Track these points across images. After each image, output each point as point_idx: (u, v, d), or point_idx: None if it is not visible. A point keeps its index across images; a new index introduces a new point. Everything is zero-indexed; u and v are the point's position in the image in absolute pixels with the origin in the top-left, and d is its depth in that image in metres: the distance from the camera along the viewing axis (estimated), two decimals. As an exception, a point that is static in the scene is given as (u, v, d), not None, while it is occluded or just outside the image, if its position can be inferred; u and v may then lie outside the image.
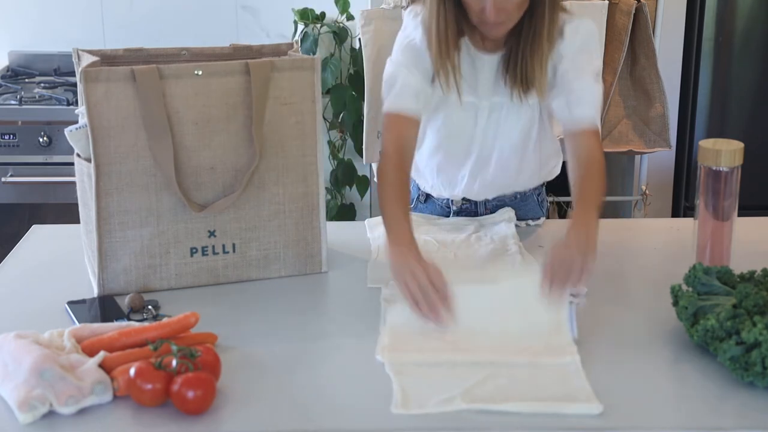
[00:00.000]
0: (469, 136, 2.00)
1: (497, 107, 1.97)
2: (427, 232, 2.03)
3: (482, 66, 1.94)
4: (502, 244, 1.97)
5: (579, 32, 1.91)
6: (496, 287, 1.67)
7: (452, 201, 2.13)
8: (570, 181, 1.87)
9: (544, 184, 2.20)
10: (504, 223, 2.06)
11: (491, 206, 2.13)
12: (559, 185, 2.51)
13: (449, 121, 1.99)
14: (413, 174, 2.11)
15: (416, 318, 1.59)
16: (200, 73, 1.70)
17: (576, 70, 1.89)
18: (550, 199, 3.08)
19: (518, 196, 2.14)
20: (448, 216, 2.15)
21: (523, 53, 1.87)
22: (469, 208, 2.14)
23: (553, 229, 2.11)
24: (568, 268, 1.61)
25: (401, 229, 1.72)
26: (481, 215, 2.14)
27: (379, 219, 1.89)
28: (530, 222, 2.11)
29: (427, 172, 2.12)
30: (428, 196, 2.18)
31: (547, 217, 2.24)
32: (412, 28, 1.92)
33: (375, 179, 3.01)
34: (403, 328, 1.59)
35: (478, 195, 2.11)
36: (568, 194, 3.02)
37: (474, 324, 1.57)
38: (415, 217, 2.03)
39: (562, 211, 3.21)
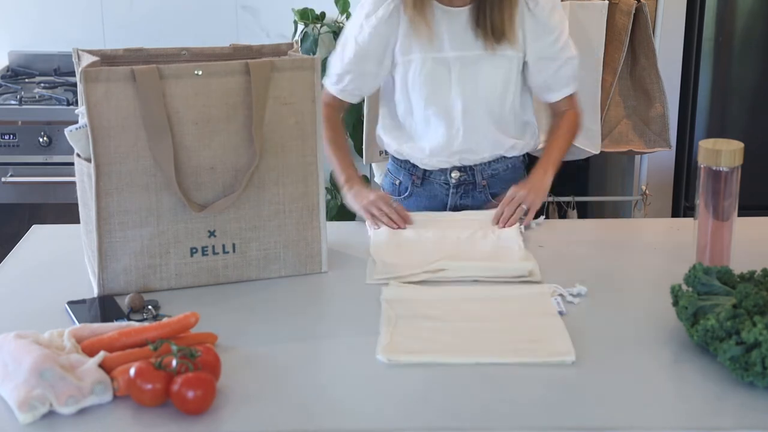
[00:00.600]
0: (447, 90, 2.12)
1: (471, 61, 2.10)
2: (427, 226, 2.05)
3: (450, 20, 2.09)
4: (506, 242, 1.98)
5: None
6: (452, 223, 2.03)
7: (450, 174, 2.21)
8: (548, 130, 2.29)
9: (526, 160, 2.32)
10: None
11: (486, 175, 2.22)
12: (559, 185, 2.51)
13: (426, 80, 2.12)
14: (407, 154, 2.23)
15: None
16: (200, 73, 1.71)
17: (562, 44, 2.14)
18: (550, 199, 3.08)
19: (509, 165, 2.24)
20: (447, 194, 2.23)
21: (491, 4, 2.05)
22: (467, 180, 2.22)
23: (553, 228, 2.10)
24: (516, 204, 2.04)
25: (350, 172, 2.15)
26: (479, 188, 2.22)
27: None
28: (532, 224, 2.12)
29: (422, 140, 2.19)
30: (424, 178, 2.23)
31: (547, 217, 2.24)
32: (367, 3, 2.12)
33: (375, 179, 3.02)
34: (399, 323, 1.62)
35: (476, 150, 2.19)
36: (568, 194, 3.03)
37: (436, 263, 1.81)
38: (420, 216, 2.10)
39: (561, 211, 3.21)
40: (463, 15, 2.09)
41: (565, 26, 2.16)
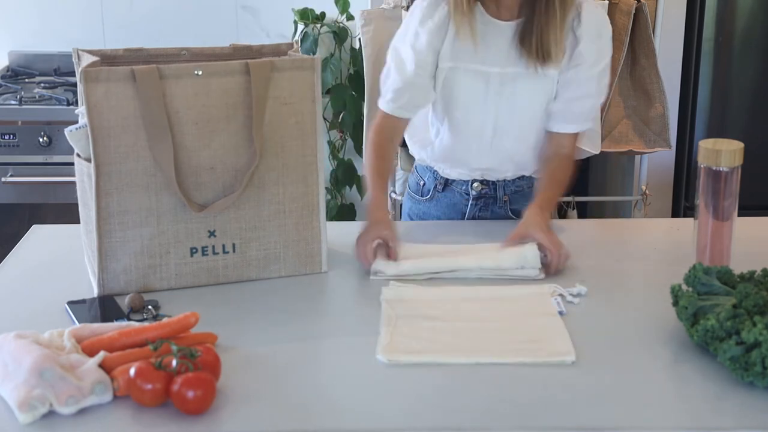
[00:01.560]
0: (481, 104, 2.04)
1: (511, 78, 2.00)
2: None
3: (495, 33, 1.99)
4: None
5: (596, 17, 2.01)
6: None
7: (471, 185, 2.15)
8: (539, 161, 2.11)
9: None
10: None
11: (509, 191, 2.16)
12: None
13: (462, 91, 2.03)
14: (430, 161, 2.18)
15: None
16: (200, 73, 1.70)
17: (590, 74, 2.01)
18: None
19: (533, 184, 2.16)
20: (467, 204, 2.17)
21: (539, 22, 1.94)
22: (488, 193, 2.17)
23: (553, 228, 2.10)
24: (560, 249, 1.85)
25: (379, 202, 1.98)
26: (500, 202, 2.16)
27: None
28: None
29: (446, 148, 2.12)
30: (446, 185, 2.19)
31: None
32: (419, 9, 2.02)
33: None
34: (399, 324, 1.62)
35: (498, 169, 2.12)
36: (568, 194, 3.02)
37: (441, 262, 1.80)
38: (429, 248, 1.97)
39: (561, 211, 3.21)
40: (509, 30, 1.98)
41: (603, 60, 2.02)
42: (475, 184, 2.16)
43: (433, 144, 2.14)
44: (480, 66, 2.00)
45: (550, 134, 2.08)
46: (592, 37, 1.99)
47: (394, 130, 2.08)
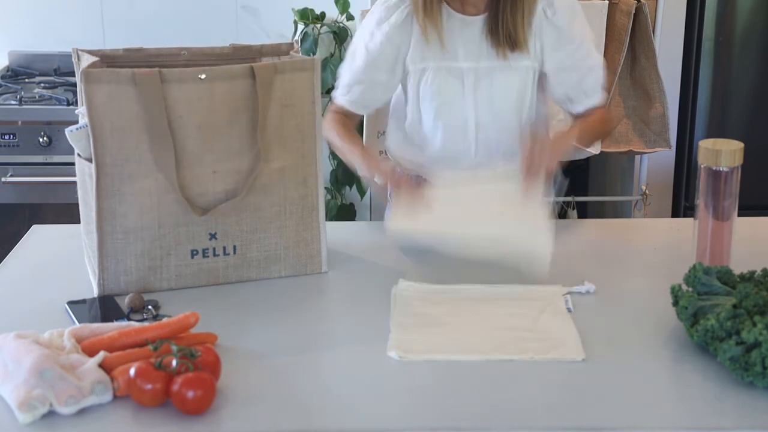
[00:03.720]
0: (459, 101, 2.04)
1: (485, 72, 2.02)
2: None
3: (462, 29, 2.01)
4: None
5: (566, 1, 2.03)
6: (477, 190, 1.87)
7: None
8: None
9: None
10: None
11: None
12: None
13: (437, 90, 2.04)
14: (419, 168, 2.15)
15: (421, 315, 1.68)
16: (204, 77, 1.70)
17: (585, 51, 2.04)
18: (551, 199, 3.07)
19: None
20: None
21: (504, 11, 1.96)
22: None
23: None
24: (542, 147, 1.83)
25: (368, 151, 2.03)
26: None
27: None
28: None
29: (433, 152, 2.11)
30: None
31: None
32: (378, 9, 2.04)
33: (375, 180, 3.01)
34: (410, 322, 1.64)
35: (491, 163, 2.11)
36: (568, 194, 3.02)
37: (457, 226, 1.76)
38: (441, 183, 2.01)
39: (561, 211, 3.21)
40: (477, 24, 2.00)
41: (586, 34, 2.06)
42: None
43: (420, 149, 2.13)
44: (452, 63, 2.02)
45: (576, 116, 2.12)
46: (570, 19, 2.02)
47: (347, 120, 2.11)
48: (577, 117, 2.13)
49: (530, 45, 2.01)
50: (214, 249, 1.78)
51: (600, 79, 2.10)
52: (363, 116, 2.15)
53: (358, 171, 2.01)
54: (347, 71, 2.09)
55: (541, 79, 2.09)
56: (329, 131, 2.07)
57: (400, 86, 2.13)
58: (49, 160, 3.20)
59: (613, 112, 2.97)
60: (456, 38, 2.01)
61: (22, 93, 3.30)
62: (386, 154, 2.40)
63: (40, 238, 2.05)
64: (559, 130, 2.05)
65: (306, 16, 3.46)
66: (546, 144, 1.87)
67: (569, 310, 1.68)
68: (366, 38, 2.05)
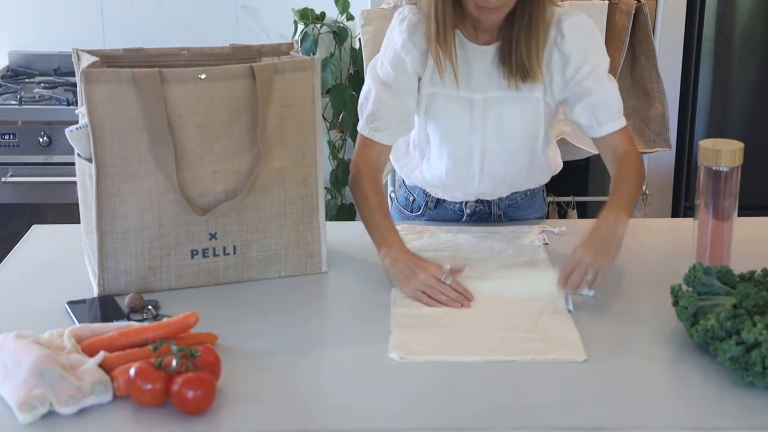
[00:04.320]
0: (466, 131, 1.99)
1: (495, 102, 1.96)
2: (439, 243, 1.99)
3: (475, 58, 1.95)
4: (531, 254, 1.94)
5: (578, 27, 1.94)
6: (506, 283, 1.79)
7: (466, 204, 2.12)
8: (610, 173, 1.99)
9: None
10: (526, 234, 2.06)
11: (504, 206, 2.13)
12: (559, 185, 2.51)
13: (445, 117, 1.99)
14: (419, 182, 2.13)
15: (422, 315, 1.68)
16: (204, 77, 1.70)
17: (594, 75, 1.93)
18: (550, 199, 3.08)
19: (528, 193, 2.15)
20: (461, 220, 2.14)
21: (518, 41, 1.89)
22: (483, 210, 2.13)
23: (553, 228, 2.10)
24: (583, 272, 1.71)
25: (392, 237, 1.85)
26: (494, 217, 2.14)
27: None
28: (555, 230, 2.07)
29: (436, 175, 2.07)
30: (438, 202, 2.14)
31: (547, 217, 2.24)
32: (398, 33, 1.95)
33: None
34: (411, 323, 1.65)
35: (493, 193, 2.10)
36: (567, 194, 3.03)
37: (464, 349, 1.58)
38: (429, 226, 2.07)
39: (561, 211, 3.21)
40: (489, 53, 1.94)
41: (600, 58, 1.94)
42: (469, 204, 2.13)
43: (423, 169, 2.09)
44: (461, 92, 1.96)
45: (597, 142, 2.00)
46: (581, 44, 1.93)
47: (377, 156, 1.97)
48: (605, 148, 2.00)
49: (540, 73, 1.93)
50: (214, 249, 1.78)
51: (617, 104, 1.97)
52: (390, 148, 2.00)
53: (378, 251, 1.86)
54: (380, 100, 1.95)
55: (561, 106, 2.02)
56: (363, 193, 1.92)
57: None
58: (49, 160, 3.20)
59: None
60: (468, 67, 1.95)
61: (22, 93, 3.30)
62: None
63: (40, 238, 2.05)
64: (605, 214, 1.82)
65: (306, 16, 3.46)
66: (592, 262, 1.71)
67: (570, 310, 1.68)
68: (395, 63, 1.94)
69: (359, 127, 1.99)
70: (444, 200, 2.14)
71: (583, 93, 1.94)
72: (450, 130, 2.00)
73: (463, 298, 1.72)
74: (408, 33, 1.93)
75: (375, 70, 1.99)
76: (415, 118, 2.02)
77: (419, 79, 1.96)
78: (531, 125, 1.99)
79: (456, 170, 2.04)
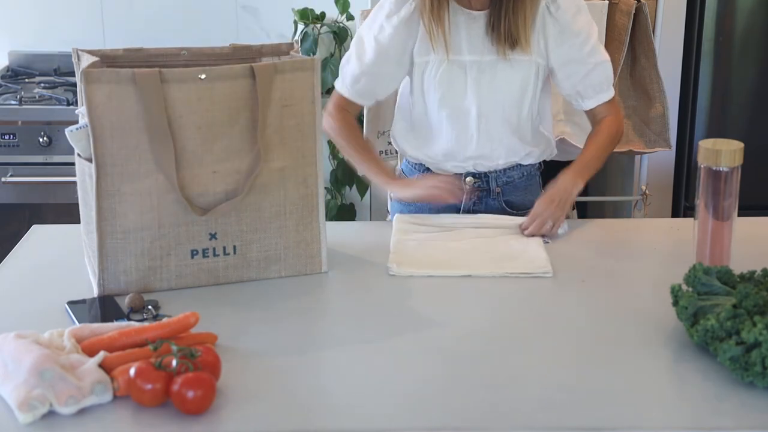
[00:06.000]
0: (462, 92, 2.10)
1: (488, 65, 2.07)
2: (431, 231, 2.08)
3: (468, 23, 2.07)
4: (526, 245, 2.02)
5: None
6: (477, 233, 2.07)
7: (464, 179, 2.18)
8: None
9: (541, 167, 2.28)
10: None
11: (501, 183, 2.19)
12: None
13: (441, 82, 2.10)
14: (422, 156, 2.21)
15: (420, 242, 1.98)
16: (204, 77, 1.70)
17: (584, 48, 2.08)
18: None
19: (525, 174, 2.21)
20: (461, 199, 2.19)
21: (507, 9, 2.01)
22: (481, 186, 2.19)
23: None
24: (543, 222, 2.01)
25: (386, 169, 2.19)
26: (492, 195, 2.19)
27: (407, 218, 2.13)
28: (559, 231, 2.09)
29: (438, 141, 2.16)
30: None
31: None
32: (387, 2, 2.10)
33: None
34: (408, 247, 1.95)
35: (491, 155, 2.16)
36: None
37: (459, 265, 1.90)
38: (426, 218, 2.13)
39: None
40: (481, 19, 2.06)
41: (592, 30, 2.11)
42: (468, 178, 2.19)
43: (424, 140, 2.18)
44: (456, 56, 2.07)
45: (586, 112, 2.19)
46: (573, 13, 2.07)
47: (352, 111, 2.20)
48: (588, 115, 2.19)
49: (534, 42, 2.05)
50: (214, 249, 1.78)
51: (608, 75, 2.14)
52: (363, 107, 2.23)
53: (380, 184, 2.17)
54: (355, 63, 2.13)
55: (549, 76, 2.14)
56: (337, 135, 2.18)
57: (407, 78, 2.17)
58: (49, 160, 3.20)
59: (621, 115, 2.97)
60: (461, 32, 2.07)
61: (22, 93, 3.30)
62: (386, 154, 2.41)
63: (40, 238, 2.05)
64: (565, 173, 2.09)
65: (306, 16, 3.46)
66: (551, 213, 2.02)
67: (546, 241, 1.97)
68: (375, 30, 2.10)
69: (338, 86, 2.18)
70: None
71: (573, 66, 2.10)
72: (446, 95, 2.11)
73: (459, 189, 2.07)
74: (396, 4, 2.08)
75: (360, 34, 2.14)
76: (408, 86, 2.16)
77: (411, 50, 2.09)
78: (521, 87, 2.10)
79: (455, 133, 2.13)
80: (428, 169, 2.22)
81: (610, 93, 2.15)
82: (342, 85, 2.17)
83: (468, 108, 2.10)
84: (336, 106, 2.18)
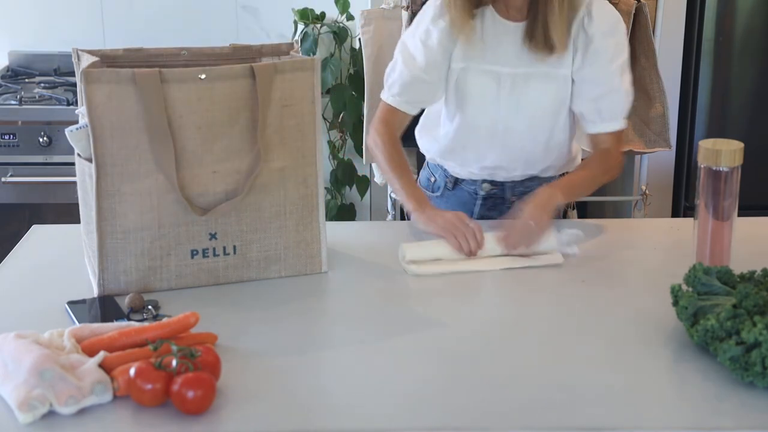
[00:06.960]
0: (492, 103, 2.06)
1: (522, 78, 2.03)
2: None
3: (505, 33, 2.03)
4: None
5: (607, 14, 2.03)
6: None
7: (480, 185, 2.17)
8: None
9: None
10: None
11: (518, 193, 2.17)
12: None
13: (473, 90, 2.06)
14: (439, 157, 2.20)
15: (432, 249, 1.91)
16: (204, 77, 1.70)
17: (609, 69, 2.02)
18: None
19: (542, 184, 2.14)
20: (475, 203, 2.19)
21: (545, 15, 1.96)
22: (497, 194, 2.18)
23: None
24: (521, 237, 1.90)
25: (420, 195, 2.01)
26: (507, 203, 2.17)
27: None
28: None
29: (458, 144, 2.14)
30: (456, 183, 2.21)
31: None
32: (432, 7, 2.05)
33: (375, 179, 3.01)
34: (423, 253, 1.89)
35: (508, 168, 2.13)
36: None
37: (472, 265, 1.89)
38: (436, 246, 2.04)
39: (562, 211, 3.20)
40: (519, 30, 2.02)
41: (619, 55, 2.04)
42: (485, 185, 2.17)
43: (445, 143, 2.16)
44: (491, 66, 2.03)
45: (588, 136, 2.11)
46: (605, 33, 2.01)
47: (398, 124, 2.10)
48: (590, 139, 2.12)
49: (568, 50, 2.00)
50: (214, 249, 1.78)
51: (621, 105, 2.07)
52: (411, 118, 2.12)
53: (407, 210, 2.03)
54: (404, 70, 2.06)
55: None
56: (380, 151, 2.06)
57: None
58: (49, 160, 3.20)
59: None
60: (499, 43, 2.03)
61: (22, 93, 3.30)
62: None
63: (40, 238, 2.05)
64: (541, 193, 1.97)
65: (306, 16, 3.46)
66: (526, 228, 1.90)
67: (574, 255, 1.91)
68: (422, 35, 2.05)
69: (383, 96, 2.10)
70: (462, 181, 2.20)
71: (586, 85, 2.03)
72: (477, 102, 2.07)
73: (476, 246, 1.88)
74: (440, 8, 2.03)
75: (405, 41, 2.08)
76: (443, 90, 2.08)
77: (450, 54, 2.04)
78: (555, 102, 2.05)
79: (476, 140, 2.10)
80: (444, 174, 2.20)
81: (617, 124, 2.07)
82: (389, 95, 2.09)
83: (495, 119, 2.06)
84: (382, 121, 2.09)
